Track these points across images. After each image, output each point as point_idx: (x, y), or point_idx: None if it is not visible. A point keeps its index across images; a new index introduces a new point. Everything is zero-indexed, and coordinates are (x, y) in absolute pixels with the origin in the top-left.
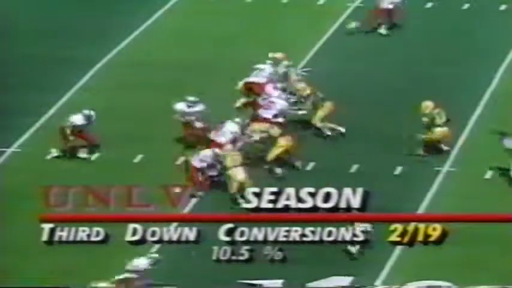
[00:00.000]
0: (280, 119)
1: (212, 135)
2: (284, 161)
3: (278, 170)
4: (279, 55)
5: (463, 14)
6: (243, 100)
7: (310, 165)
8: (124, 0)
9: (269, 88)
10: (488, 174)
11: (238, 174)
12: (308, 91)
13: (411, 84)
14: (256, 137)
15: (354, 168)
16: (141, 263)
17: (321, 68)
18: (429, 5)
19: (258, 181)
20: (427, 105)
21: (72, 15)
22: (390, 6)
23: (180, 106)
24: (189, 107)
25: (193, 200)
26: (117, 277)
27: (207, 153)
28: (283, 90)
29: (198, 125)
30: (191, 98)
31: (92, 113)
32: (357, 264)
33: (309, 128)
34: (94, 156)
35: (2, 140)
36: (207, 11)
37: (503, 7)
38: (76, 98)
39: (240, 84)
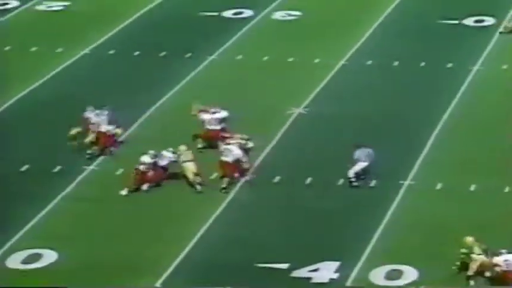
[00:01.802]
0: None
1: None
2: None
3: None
4: None
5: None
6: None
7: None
8: (172, 58)
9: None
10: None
11: (190, 167)
12: None
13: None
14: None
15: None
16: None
17: (317, 109)
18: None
19: None
20: None
21: (132, 73)
22: None
23: (89, 113)
24: (97, 115)
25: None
26: None
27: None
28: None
29: (104, 128)
30: (96, 110)
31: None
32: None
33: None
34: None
35: (86, 160)
36: (234, 66)
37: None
38: (138, 132)
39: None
